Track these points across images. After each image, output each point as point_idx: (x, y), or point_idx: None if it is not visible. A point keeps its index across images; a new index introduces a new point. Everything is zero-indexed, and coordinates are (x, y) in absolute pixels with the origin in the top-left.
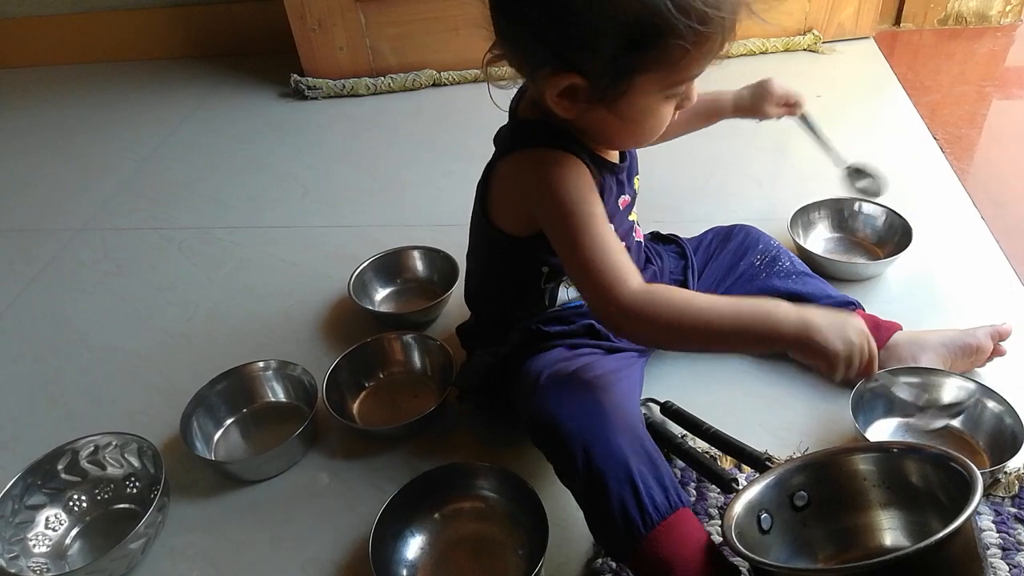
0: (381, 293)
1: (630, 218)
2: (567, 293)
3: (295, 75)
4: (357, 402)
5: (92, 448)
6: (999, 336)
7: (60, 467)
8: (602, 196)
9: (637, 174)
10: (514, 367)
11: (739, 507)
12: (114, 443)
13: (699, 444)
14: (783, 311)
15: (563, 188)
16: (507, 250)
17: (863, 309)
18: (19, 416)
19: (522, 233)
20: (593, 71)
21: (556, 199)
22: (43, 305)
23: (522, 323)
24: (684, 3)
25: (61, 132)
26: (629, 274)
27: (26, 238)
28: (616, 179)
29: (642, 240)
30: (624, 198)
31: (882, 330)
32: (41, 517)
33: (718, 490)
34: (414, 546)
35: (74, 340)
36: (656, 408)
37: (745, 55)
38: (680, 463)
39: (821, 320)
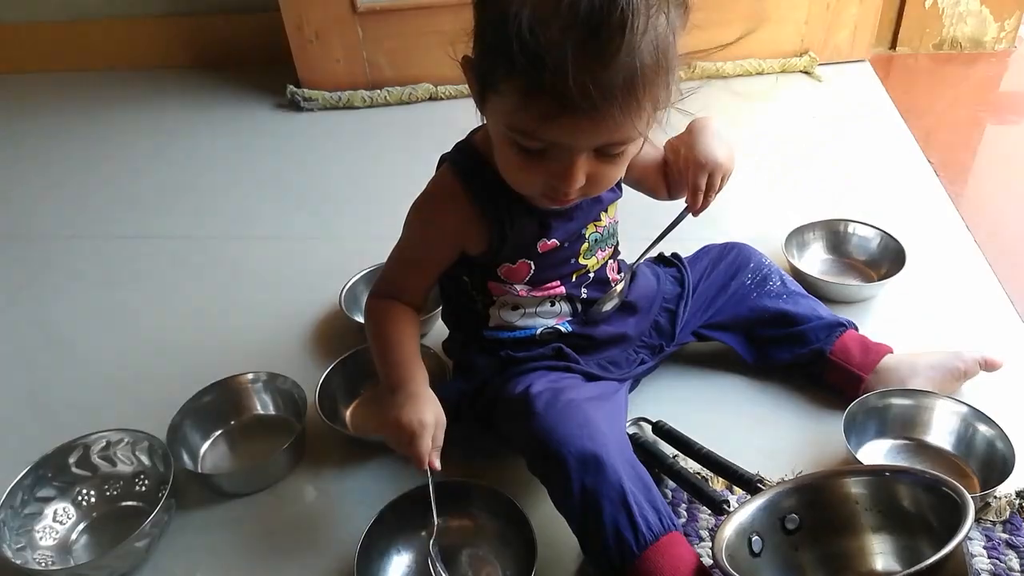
0: None
1: (581, 261)
2: (512, 317)
3: (291, 86)
4: (349, 410)
5: (104, 443)
6: (987, 365)
7: (71, 461)
8: (495, 234)
9: (603, 210)
10: (491, 392)
11: (730, 529)
12: (126, 440)
13: (691, 465)
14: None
15: (413, 207)
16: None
17: (855, 329)
18: (3, 425)
19: None
20: (479, 51)
21: (410, 211)
22: (31, 314)
23: (480, 343)
24: (526, 34)
25: (53, 140)
26: (382, 284)
27: (15, 246)
28: (537, 221)
29: (618, 275)
30: (545, 242)
31: (871, 353)
32: (49, 510)
33: (709, 512)
34: (400, 564)
35: (61, 349)
36: (648, 428)
37: (741, 75)
38: (671, 484)
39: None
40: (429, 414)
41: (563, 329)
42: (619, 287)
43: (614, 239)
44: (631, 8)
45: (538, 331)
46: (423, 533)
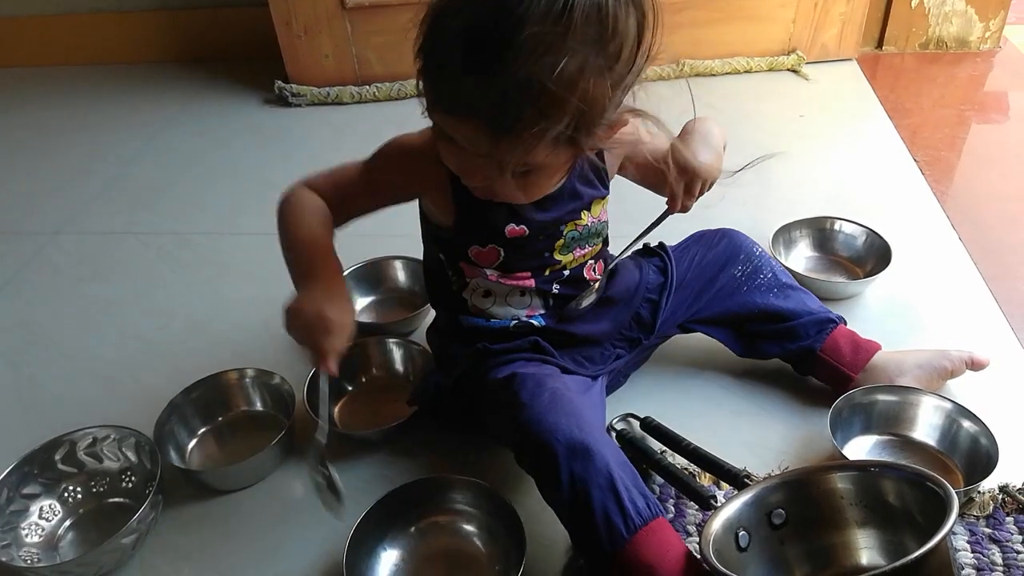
0: (362, 303)
1: (556, 256)
2: (484, 304)
3: (279, 81)
4: (338, 406)
5: (90, 440)
6: (973, 364)
7: (57, 457)
8: (462, 207)
9: (584, 208)
10: (469, 385)
11: (717, 524)
12: (112, 436)
13: (678, 460)
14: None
15: (400, 140)
16: (423, 236)
17: (845, 323)
18: None
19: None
20: None
21: (395, 140)
22: (16, 310)
23: (458, 331)
24: (432, 19)
25: (40, 134)
26: (319, 179)
27: (1, 241)
28: (507, 204)
29: (597, 276)
30: (513, 227)
31: (861, 352)
32: (35, 507)
33: (696, 507)
34: (388, 561)
35: (47, 346)
36: (636, 423)
37: (730, 73)
38: (659, 479)
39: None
40: (346, 315)
41: (536, 323)
42: (596, 284)
43: (598, 239)
44: (519, 39)
45: (512, 324)
46: (412, 529)
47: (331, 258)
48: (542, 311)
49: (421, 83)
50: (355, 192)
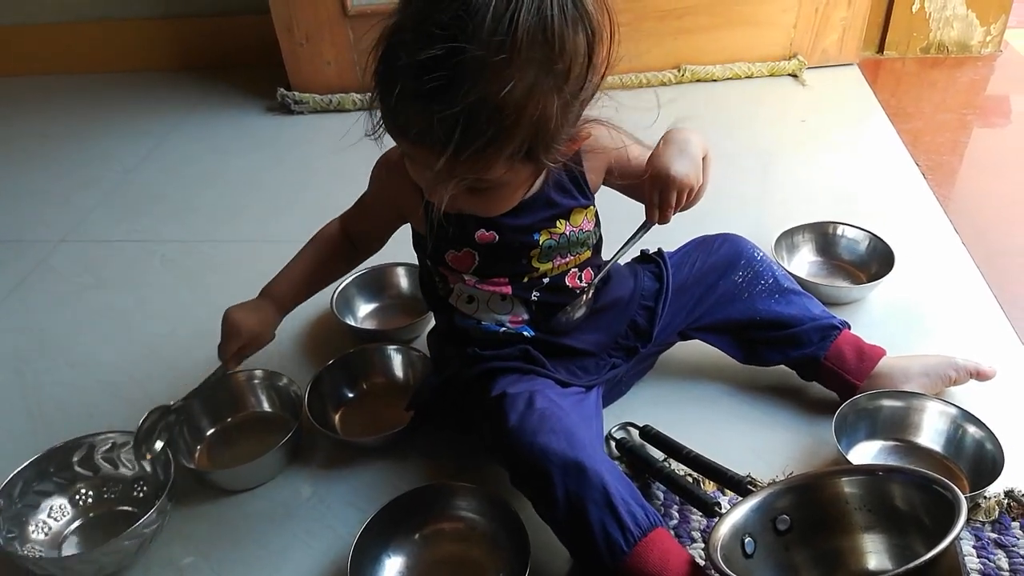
0: (365, 309)
1: (534, 264)
2: (468, 310)
3: (282, 89)
4: (339, 413)
5: (109, 445)
6: (978, 375)
7: (75, 459)
8: (428, 212)
9: (561, 217)
10: (465, 389)
11: (724, 529)
12: (131, 443)
13: (681, 468)
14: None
15: (379, 160)
16: (412, 244)
17: (848, 328)
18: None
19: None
20: None
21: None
22: (21, 317)
23: (451, 333)
24: (386, 42)
25: (44, 142)
26: (346, 212)
27: (5, 249)
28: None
29: (580, 283)
30: (483, 232)
31: (866, 360)
32: (46, 505)
33: (700, 514)
34: (393, 568)
35: (52, 353)
36: (635, 432)
37: (731, 79)
38: (662, 487)
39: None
40: (250, 324)
41: (526, 334)
42: (585, 297)
43: (582, 248)
44: (464, 66)
45: (500, 331)
46: (416, 536)
47: (288, 276)
48: (526, 317)
49: (377, 107)
50: (361, 214)
